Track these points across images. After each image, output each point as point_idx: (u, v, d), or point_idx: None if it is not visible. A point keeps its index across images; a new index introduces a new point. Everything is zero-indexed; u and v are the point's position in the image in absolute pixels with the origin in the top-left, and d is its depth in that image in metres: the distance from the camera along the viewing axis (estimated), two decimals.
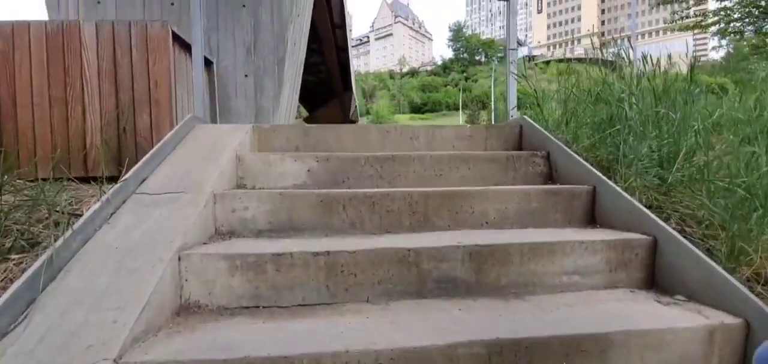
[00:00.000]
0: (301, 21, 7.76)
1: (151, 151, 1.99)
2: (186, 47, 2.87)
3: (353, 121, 48.65)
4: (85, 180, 1.97)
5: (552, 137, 2.31)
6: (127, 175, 1.65)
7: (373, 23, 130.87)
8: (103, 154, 2.17)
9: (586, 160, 2.11)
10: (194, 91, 2.35)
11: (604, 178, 1.91)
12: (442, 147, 2.56)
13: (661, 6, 14.66)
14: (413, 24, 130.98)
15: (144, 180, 1.84)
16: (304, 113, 41.46)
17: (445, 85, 78.34)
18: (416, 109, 68.86)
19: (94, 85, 2.15)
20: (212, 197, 1.74)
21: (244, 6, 6.78)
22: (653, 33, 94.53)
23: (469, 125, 2.70)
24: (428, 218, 1.84)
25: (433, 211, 1.84)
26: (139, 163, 1.87)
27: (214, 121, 3.51)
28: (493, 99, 40.16)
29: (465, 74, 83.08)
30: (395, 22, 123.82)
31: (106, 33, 2.19)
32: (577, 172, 2.09)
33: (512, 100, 2.91)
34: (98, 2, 6.98)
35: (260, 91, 6.85)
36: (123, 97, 2.15)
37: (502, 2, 2.94)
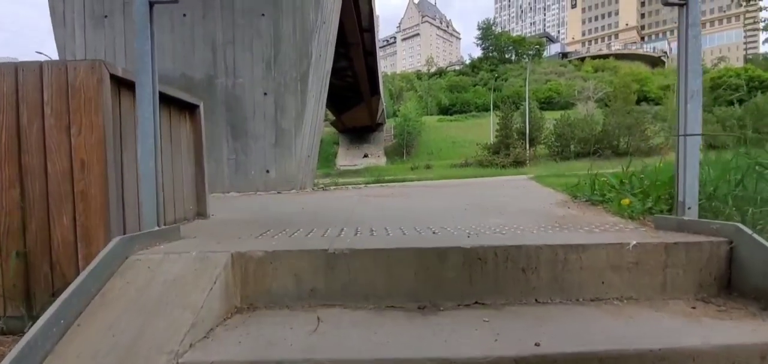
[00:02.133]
0: (328, 29, 6.94)
1: (67, 293, 1.12)
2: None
3: (380, 124, 47.82)
4: None
5: None
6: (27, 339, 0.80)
7: (400, 23, 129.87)
8: None
9: None
10: (140, 178, 1.44)
11: None
12: (584, 288, 1.42)
13: None
14: (440, 23, 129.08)
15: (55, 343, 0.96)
16: (331, 117, 41.10)
17: (474, 85, 76.30)
18: (445, 110, 67.35)
19: None
20: None
21: (263, 15, 6.00)
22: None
23: (632, 242, 1.41)
24: None
25: None
26: (45, 317, 1.02)
27: (200, 200, 2.60)
28: (527, 101, 38.22)
29: (495, 73, 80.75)
30: (422, 22, 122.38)
31: (6, 83, 1.34)
32: None
33: (692, 186, 1.63)
34: (105, 16, 6.39)
35: (281, 110, 6.05)
36: (31, 189, 1.31)
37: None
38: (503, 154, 34.56)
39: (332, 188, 8.65)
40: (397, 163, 44.12)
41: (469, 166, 36.34)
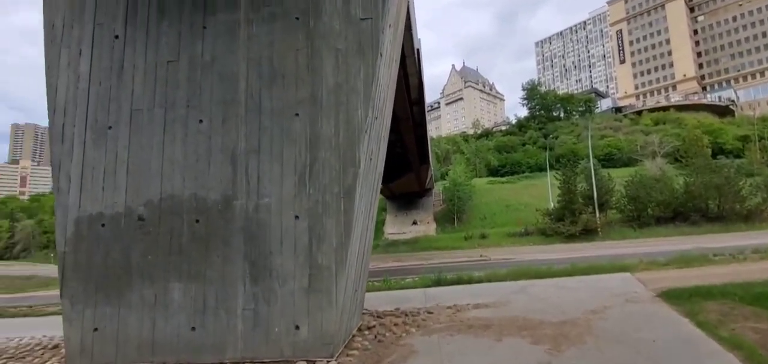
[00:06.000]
0: (380, 124, 5.44)
1: None
2: None
3: (429, 189, 46.12)
4: None
5: None
6: None
7: (443, 89, 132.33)
8: None
9: None
10: None
11: None
12: None
13: None
14: (483, 87, 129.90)
15: None
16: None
17: (523, 145, 73.66)
18: (494, 171, 64.77)
19: None
20: None
21: (297, 115, 4.59)
22: (759, 74, 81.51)
23: None
24: None
25: None
26: None
27: None
28: (591, 160, 34.93)
29: (543, 131, 77.85)
30: (465, 87, 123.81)
31: None
32: None
33: None
34: (109, 127, 5.32)
35: (317, 239, 4.41)
36: None
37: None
38: (568, 222, 30.95)
39: (385, 302, 6.69)
40: (449, 232, 41.47)
41: (529, 235, 32.98)
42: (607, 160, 52.88)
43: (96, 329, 4.82)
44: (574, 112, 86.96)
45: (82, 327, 4.90)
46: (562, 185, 33.51)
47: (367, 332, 5.39)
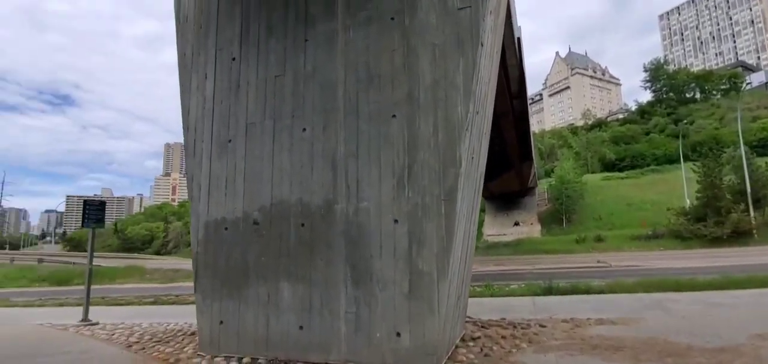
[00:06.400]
0: (482, 120, 5.07)
1: None
2: None
3: (532, 188, 42.88)
4: None
5: None
6: None
7: (546, 79, 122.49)
8: None
9: None
10: None
11: None
12: None
13: None
14: (594, 72, 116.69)
15: None
16: None
17: (647, 134, 64.14)
18: (609, 166, 57.61)
19: None
20: None
21: (393, 116, 4.51)
22: None
23: None
24: None
25: None
26: None
27: None
28: (743, 148, 28.71)
29: (673, 117, 66.76)
30: (572, 75, 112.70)
31: None
32: None
33: None
34: (229, 140, 5.91)
35: (417, 244, 4.23)
36: None
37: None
38: (712, 222, 25.85)
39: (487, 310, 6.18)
40: (556, 234, 38.06)
41: (659, 238, 28.43)
42: (763, 147, 43.25)
43: (221, 322, 5.37)
44: (713, 92, 73.46)
45: (211, 319, 5.50)
46: (703, 179, 28.13)
47: (471, 344, 5.04)
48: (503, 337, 5.32)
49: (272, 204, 5.09)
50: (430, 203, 4.17)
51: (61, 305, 14.04)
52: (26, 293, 19.44)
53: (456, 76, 4.40)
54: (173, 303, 12.95)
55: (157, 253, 72.74)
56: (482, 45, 4.51)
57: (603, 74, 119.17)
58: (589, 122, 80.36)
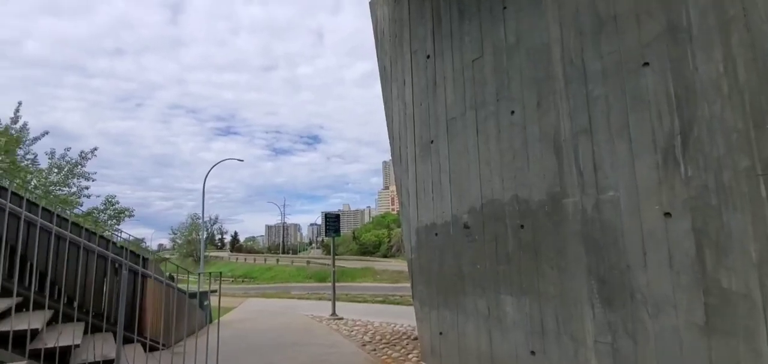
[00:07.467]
0: None
1: None
2: None
3: None
4: None
5: None
6: None
7: None
8: None
9: None
10: None
11: None
12: None
13: None
14: None
15: None
16: None
17: None
18: None
19: None
20: None
21: (646, 64, 3.15)
22: None
23: None
24: None
25: None
26: None
27: None
28: None
29: None
30: None
31: None
32: None
33: None
34: (431, 141, 5.58)
35: (714, 247, 2.67)
36: None
37: None
38: None
39: None
40: None
41: None
42: None
43: (441, 333, 5.06)
44: None
45: (430, 328, 5.28)
46: None
47: None
48: None
49: (483, 204, 4.46)
50: (733, 183, 2.63)
51: (320, 298, 17.43)
52: (300, 287, 26.36)
53: None
54: (398, 303, 14.04)
55: (384, 256, 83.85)
56: None
57: None
58: None
